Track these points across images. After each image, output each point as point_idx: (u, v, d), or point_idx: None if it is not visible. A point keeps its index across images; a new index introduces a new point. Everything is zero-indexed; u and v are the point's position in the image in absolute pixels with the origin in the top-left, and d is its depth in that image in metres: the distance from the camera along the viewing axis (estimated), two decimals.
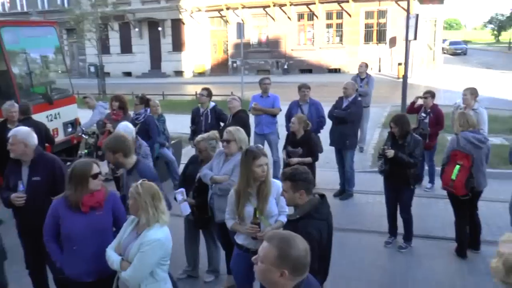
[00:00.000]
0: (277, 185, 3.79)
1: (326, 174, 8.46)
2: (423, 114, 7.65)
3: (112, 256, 3.23)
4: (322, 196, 3.37)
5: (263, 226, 3.72)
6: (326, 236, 3.27)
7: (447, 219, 6.48)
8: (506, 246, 2.26)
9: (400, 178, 5.60)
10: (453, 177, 5.25)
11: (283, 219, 3.81)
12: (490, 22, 78.14)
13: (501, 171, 8.40)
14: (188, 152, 9.47)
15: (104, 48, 28.74)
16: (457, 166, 5.23)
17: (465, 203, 5.51)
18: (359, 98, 7.78)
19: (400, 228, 5.98)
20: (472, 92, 6.74)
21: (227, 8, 29.30)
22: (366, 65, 10.16)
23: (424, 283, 5.11)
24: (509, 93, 18.62)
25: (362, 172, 8.89)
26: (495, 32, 77.21)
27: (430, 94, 7.72)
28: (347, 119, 7.32)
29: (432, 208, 7.20)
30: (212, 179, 4.51)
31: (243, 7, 29.06)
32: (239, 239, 3.93)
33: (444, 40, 47.32)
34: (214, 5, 29.55)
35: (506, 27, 67.17)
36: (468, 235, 5.67)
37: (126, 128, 5.07)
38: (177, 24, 31.29)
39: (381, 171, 5.88)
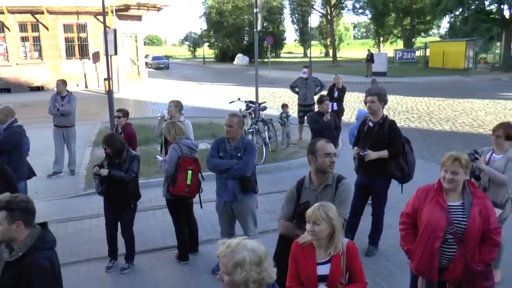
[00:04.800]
0: None
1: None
2: None
3: None
4: (44, 225, 3.00)
5: None
6: (58, 264, 3.00)
7: (165, 228, 6.65)
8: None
9: (119, 197, 5.47)
10: (189, 182, 5.48)
11: None
12: (186, 39, 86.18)
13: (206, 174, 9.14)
14: None
15: None
16: (189, 171, 5.48)
17: (182, 208, 5.79)
18: (16, 124, 6.64)
19: (122, 249, 5.77)
20: (176, 105, 7.02)
21: None
22: (64, 82, 9.50)
23: None
24: (207, 102, 20.83)
25: (75, 196, 8.35)
26: (191, 48, 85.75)
27: (122, 112, 7.47)
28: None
29: (151, 220, 7.27)
30: None
31: None
32: None
33: (147, 55, 49.71)
34: None
35: (199, 44, 75.23)
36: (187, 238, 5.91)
37: None
38: None
39: (99, 192, 5.61)
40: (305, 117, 11.25)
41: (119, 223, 5.70)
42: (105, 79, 23.03)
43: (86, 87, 26.80)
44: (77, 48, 27.09)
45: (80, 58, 27.03)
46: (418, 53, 44.18)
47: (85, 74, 26.92)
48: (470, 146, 7.24)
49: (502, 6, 35.15)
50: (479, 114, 16.43)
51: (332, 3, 56.43)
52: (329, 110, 8.57)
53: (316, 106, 9.57)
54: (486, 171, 4.72)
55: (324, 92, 11.74)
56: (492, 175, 4.70)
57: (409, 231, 3.71)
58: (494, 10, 36.26)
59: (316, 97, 10.43)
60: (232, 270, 2.20)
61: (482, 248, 3.45)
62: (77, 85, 26.06)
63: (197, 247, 6.09)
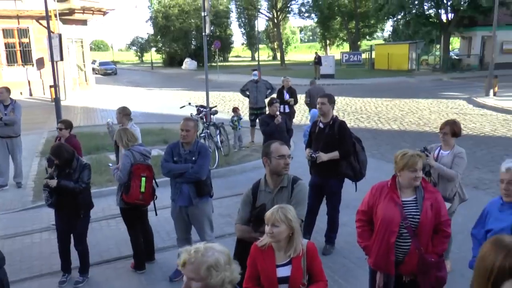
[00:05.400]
0: None
1: None
2: None
3: None
4: None
5: None
6: (7, 283, 2.92)
7: (120, 237, 6.49)
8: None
9: (71, 208, 5.27)
10: (143, 189, 5.40)
11: None
12: (133, 44, 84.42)
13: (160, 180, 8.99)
14: None
15: None
16: (143, 179, 5.40)
17: (137, 216, 5.68)
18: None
19: (75, 262, 5.56)
20: (120, 111, 6.89)
21: None
22: (7, 90, 9.04)
23: None
24: (157, 107, 20.55)
25: (22, 210, 7.96)
26: (139, 54, 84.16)
27: (64, 124, 6.91)
28: None
29: (104, 230, 7.06)
30: None
31: None
32: None
33: (94, 61, 48.40)
34: None
35: (146, 49, 73.99)
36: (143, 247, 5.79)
37: None
38: None
39: (48, 204, 5.39)
40: (257, 120, 11.31)
41: (71, 235, 5.49)
42: (51, 86, 22.14)
43: (31, 95, 25.69)
44: (19, 54, 25.89)
45: (22, 65, 25.86)
46: (364, 55, 45.54)
47: (29, 81, 25.81)
48: (418, 144, 7.56)
49: (439, 11, 36.83)
50: (424, 113, 17.11)
51: (278, 7, 57.13)
52: (278, 112, 8.64)
53: (267, 109, 9.65)
54: (435, 167, 4.93)
55: (275, 95, 11.86)
56: (441, 171, 4.91)
57: (365, 228, 3.80)
58: (432, 14, 37.92)
59: (267, 100, 10.52)
60: (206, 274, 2.14)
61: (435, 240, 3.59)
62: (21, 93, 24.94)
63: (153, 255, 5.97)
